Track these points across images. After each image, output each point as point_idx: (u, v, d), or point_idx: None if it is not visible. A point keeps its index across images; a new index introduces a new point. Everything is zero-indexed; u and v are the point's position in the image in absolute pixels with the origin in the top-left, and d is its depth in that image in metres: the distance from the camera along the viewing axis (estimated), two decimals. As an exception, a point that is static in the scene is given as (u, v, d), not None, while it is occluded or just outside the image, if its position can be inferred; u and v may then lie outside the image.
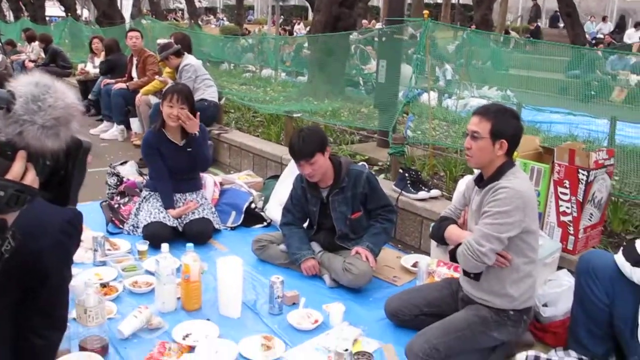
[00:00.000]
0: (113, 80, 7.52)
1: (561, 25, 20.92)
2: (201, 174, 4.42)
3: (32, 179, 1.34)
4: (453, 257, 2.71)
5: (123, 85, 7.20)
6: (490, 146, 2.57)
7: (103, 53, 8.60)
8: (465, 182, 2.96)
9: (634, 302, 2.43)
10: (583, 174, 3.11)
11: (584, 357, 2.64)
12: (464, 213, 2.89)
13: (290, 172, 4.35)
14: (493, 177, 2.61)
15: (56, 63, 10.83)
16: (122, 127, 7.30)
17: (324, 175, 3.43)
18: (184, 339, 2.78)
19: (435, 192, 4.07)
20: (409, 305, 2.93)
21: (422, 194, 4.04)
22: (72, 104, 1.35)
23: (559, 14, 17.92)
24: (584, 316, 2.59)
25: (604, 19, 24.07)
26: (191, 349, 2.69)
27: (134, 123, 7.02)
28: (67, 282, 2.07)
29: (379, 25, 18.15)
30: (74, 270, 3.45)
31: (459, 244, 2.62)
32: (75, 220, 2.01)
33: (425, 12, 4.93)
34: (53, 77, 1.37)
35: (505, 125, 2.57)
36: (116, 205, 4.37)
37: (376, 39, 10.27)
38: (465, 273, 2.71)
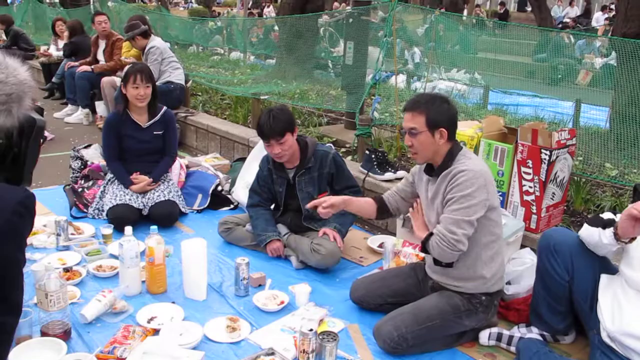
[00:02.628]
0: (77, 63, 7.35)
1: (529, 9, 21.11)
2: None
3: None
4: (425, 250, 2.66)
5: (87, 68, 7.04)
6: (430, 138, 2.57)
7: (66, 35, 8.40)
8: (413, 171, 2.93)
9: (593, 278, 2.48)
10: (545, 154, 3.15)
11: (545, 333, 2.69)
12: (417, 204, 2.87)
13: (257, 155, 4.32)
14: (444, 164, 2.61)
15: (18, 45, 10.52)
16: (87, 110, 7.16)
17: (291, 156, 3.41)
18: (148, 322, 2.75)
19: (401, 173, 4.09)
20: (374, 295, 2.93)
21: (389, 175, 4.05)
22: (24, 80, 1.32)
23: (526, -3, 18.15)
24: (545, 292, 2.63)
25: (570, 3, 24.33)
26: (156, 331, 2.67)
27: (99, 106, 6.89)
28: (20, 265, 2.02)
29: (349, 9, 18.07)
30: (37, 255, 3.44)
31: (429, 236, 2.60)
32: (28, 201, 1.95)
33: (393, -7, 4.90)
34: (14, 58, 1.33)
35: (439, 113, 2.57)
36: (80, 189, 4.29)
37: (343, 21, 10.25)
38: (437, 262, 2.67)
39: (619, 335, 2.24)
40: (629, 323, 2.22)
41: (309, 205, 3.02)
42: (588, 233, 2.46)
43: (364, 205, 3.02)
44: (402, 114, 2.70)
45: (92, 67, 7.04)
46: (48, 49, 9.25)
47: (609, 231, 2.31)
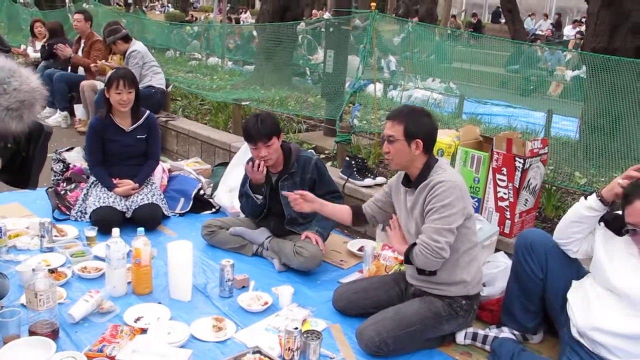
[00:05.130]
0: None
1: (502, 21, 21.53)
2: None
3: None
4: (407, 261, 2.75)
5: (68, 51, 6.94)
6: (406, 147, 2.68)
7: (45, 37, 8.34)
8: (390, 182, 3.05)
9: (565, 279, 2.63)
10: (519, 162, 3.30)
11: (515, 332, 2.83)
12: (393, 220, 2.95)
13: (240, 160, 4.40)
14: (422, 175, 2.72)
15: (-7, 46, 10.42)
16: (65, 113, 7.14)
17: (275, 161, 3.50)
18: (135, 321, 2.81)
19: (380, 180, 4.21)
20: (356, 306, 3.01)
21: (368, 181, 4.17)
22: (36, 88, 1.39)
23: (500, 9, 18.48)
24: (519, 290, 2.77)
25: (545, 15, 24.92)
26: (143, 331, 2.73)
27: (78, 109, 6.89)
28: None
29: (327, 16, 18.23)
30: (20, 257, 3.47)
31: (412, 246, 2.68)
32: None
33: (373, 4, 5.03)
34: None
35: (417, 125, 2.68)
36: (62, 192, 4.32)
37: (323, 29, 10.37)
38: (420, 272, 2.75)
39: (587, 331, 2.38)
40: (597, 318, 2.36)
41: (285, 193, 3.15)
42: (567, 216, 2.60)
43: (339, 211, 3.14)
44: (382, 122, 2.81)
45: (71, 55, 6.96)
46: (26, 48, 9.16)
47: (593, 196, 2.48)
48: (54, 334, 2.64)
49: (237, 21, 22.92)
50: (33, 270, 3.06)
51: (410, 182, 2.79)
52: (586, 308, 2.44)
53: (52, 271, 3.26)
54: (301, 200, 3.08)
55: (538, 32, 22.33)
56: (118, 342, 2.57)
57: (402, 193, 2.87)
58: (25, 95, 1.36)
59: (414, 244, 2.67)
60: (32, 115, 1.39)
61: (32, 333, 2.61)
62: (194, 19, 22.53)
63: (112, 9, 16.93)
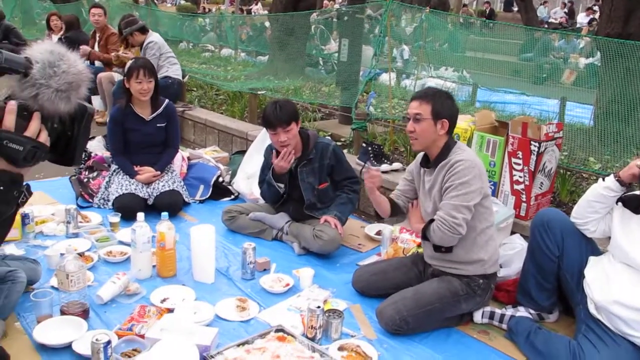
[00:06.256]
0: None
1: (515, 9, 21.41)
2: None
3: (45, 138, 1.46)
4: (425, 237, 2.81)
5: (87, 49, 7.03)
6: (432, 127, 2.75)
7: (62, 31, 8.45)
8: (409, 169, 3.12)
9: (581, 256, 2.69)
10: (535, 146, 3.35)
11: (531, 311, 2.89)
12: (414, 203, 3.02)
13: (258, 147, 4.48)
14: (441, 155, 2.79)
15: (9, 40, 10.54)
16: (83, 105, 7.22)
17: (294, 147, 3.57)
18: (162, 302, 2.90)
19: (397, 165, 4.27)
20: (375, 287, 3.08)
21: (385, 167, 4.23)
22: (82, 71, 1.47)
23: (512, -3, 18.44)
24: (535, 269, 2.83)
25: (563, 4, 24.76)
26: (170, 311, 2.82)
27: (95, 100, 6.98)
28: None
29: (337, 6, 18.21)
30: (48, 242, 3.58)
31: (429, 222, 2.75)
32: None
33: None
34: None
35: (443, 105, 2.76)
36: (85, 180, 4.43)
37: (335, 19, 10.40)
38: (437, 249, 2.83)
39: (607, 304, 2.44)
40: (617, 292, 2.42)
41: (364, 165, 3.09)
42: (585, 197, 2.65)
43: (383, 200, 3.11)
44: (397, 110, 2.86)
45: (90, 52, 7.05)
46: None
47: (611, 177, 2.54)
48: (84, 314, 2.73)
49: (249, 12, 22.95)
50: (61, 254, 3.18)
51: (429, 163, 2.86)
52: (605, 283, 2.50)
53: (79, 255, 3.35)
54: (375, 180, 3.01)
55: (551, 19, 22.17)
56: (146, 322, 2.66)
57: (421, 174, 2.94)
58: (73, 77, 1.43)
59: (432, 221, 2.74)
60: (79, 96, 1.47)
61: (63, 313, 2.71)
62: (207, 10, 22.56)
63: (124, 1, 17.04)
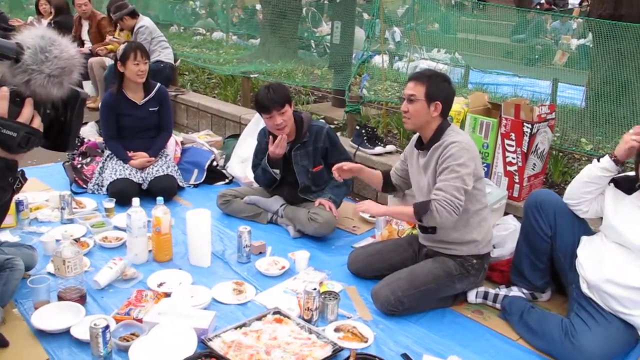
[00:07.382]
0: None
1: (506, -11, 21.31)
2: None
3: (38, 123, 1.46)
4: (419, 218, 2.76)
5: (102, 48, 6.91)
6: (425, 108, 2.76)
7: (51, 15, 8.35)
8: (405, 150, 3.15)
9: (573, 236, 2.73)
10: (527, 127, 3.37)
11: (524, 290, 2.93)
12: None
13: (252, 131, 4.48)
14: (434, 137, 2.81)
15: (-3, 25, 10.43)
16: (74, 90, 7.16)
17: (288, 130, 3.57)
18: (159, 286, 2.92)
19: (390, 147, 4.28)
20: (371, 269, 3.11)
21: (379, 149, 4.24)
22: (75, 56, 1.47)
23: (504, -22, 18.35)
24: (528, 249, 2.87)
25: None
26: (167, 295, 2.83)
27: (87, 86, 6.92)
28: None
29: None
30: (43, 228, 3.58)
31: (426, 203, 2.70)
32: None
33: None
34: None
35: (438, 88, 2.77)
36: (79, 166, 4.42)
37: (327, 1, 10.33)
38: (424, 230, 2.87)
39: (600, 283, 2.48)
40: (610, 271, 2.46)
41: (334, 168, 3.16)
42: (578, 178, 2.68)
43: (375, 176, 3.22)
44: (389, 92, 2.87)
45: (97, 50, 6.92)
46: (32, 21, 9.16)
47: (607, 157, 2.55)
48: (82, 299, 2.74)
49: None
50: (57, 240, 3.19)
51: (423, 145, 2.87)
52: (597, 262, 2.53)
53: (75, 241, 3.36)
54: (344, 172, 3.12)
55: (541, 1, 22.09)
56: (144, 306, 2.68)
57: (415, 156, 2.96)
58: (65, 62, 1.43)
59: (425, 202, 2.72)
60: (71, 81, 1.47)
61: (61, 299, 2.72)
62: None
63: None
